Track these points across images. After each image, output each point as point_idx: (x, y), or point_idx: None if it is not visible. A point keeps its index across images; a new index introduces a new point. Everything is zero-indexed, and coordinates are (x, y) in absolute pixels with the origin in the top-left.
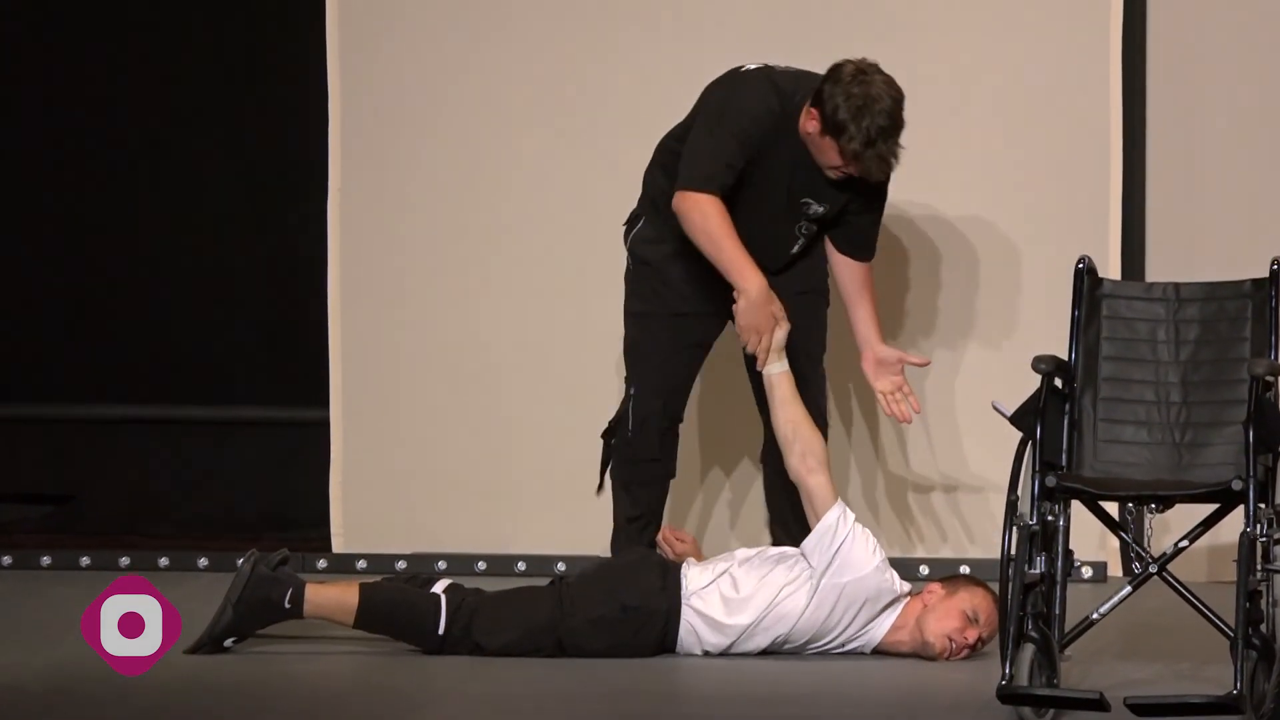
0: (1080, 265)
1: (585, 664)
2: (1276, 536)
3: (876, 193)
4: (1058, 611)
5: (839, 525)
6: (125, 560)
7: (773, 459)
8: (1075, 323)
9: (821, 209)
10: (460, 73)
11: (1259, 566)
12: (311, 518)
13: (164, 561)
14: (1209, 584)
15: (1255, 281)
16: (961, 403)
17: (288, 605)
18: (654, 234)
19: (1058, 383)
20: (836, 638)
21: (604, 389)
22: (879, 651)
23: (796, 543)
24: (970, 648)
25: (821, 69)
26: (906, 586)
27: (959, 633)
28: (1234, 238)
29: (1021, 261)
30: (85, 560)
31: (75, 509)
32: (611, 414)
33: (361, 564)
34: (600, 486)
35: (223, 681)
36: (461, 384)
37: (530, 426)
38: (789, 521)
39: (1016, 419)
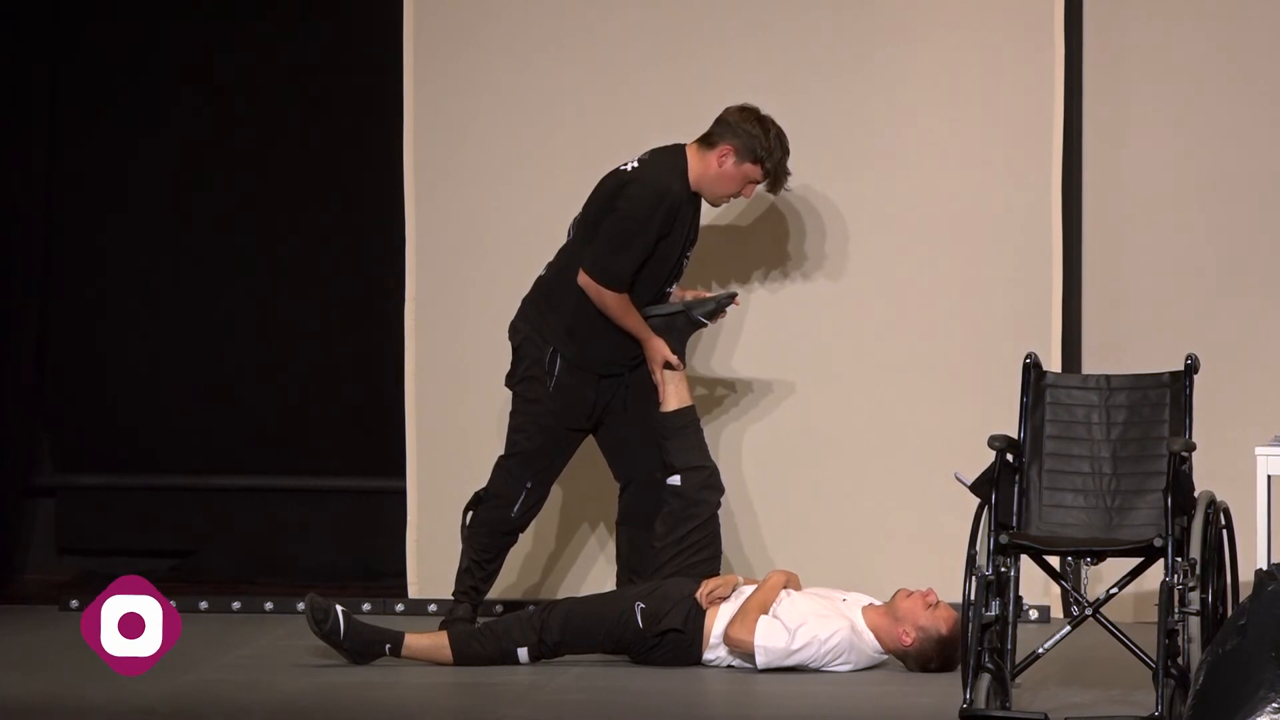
0: (1028, 360)
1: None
2: (1190, 585)
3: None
4: (1009, 647)
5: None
6: (237, 604)
7: (626, 525)
8: (1024, 408)
9: (690, 252)
10: (528, 180)
11: (1176, 610)
12: (391, 570)
13: (269, 605)
14: (1135, 624)
15: (1173, 374)
16: (930, 473)
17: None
18: (572, 360)
19: (1009, 457)
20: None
21: None
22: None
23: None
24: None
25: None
26: (835, 625)
27: (921, 597)
28: (1155, 337)
29: (980, 357)
30: (203, 604)
31: (195, 562)
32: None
33: (432, 607)
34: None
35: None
36: None
37: (572, 483)
38: (636, 576)
39: (975, 487)
